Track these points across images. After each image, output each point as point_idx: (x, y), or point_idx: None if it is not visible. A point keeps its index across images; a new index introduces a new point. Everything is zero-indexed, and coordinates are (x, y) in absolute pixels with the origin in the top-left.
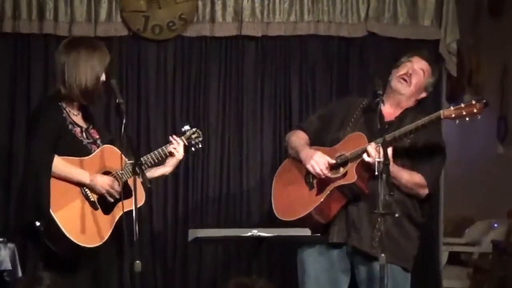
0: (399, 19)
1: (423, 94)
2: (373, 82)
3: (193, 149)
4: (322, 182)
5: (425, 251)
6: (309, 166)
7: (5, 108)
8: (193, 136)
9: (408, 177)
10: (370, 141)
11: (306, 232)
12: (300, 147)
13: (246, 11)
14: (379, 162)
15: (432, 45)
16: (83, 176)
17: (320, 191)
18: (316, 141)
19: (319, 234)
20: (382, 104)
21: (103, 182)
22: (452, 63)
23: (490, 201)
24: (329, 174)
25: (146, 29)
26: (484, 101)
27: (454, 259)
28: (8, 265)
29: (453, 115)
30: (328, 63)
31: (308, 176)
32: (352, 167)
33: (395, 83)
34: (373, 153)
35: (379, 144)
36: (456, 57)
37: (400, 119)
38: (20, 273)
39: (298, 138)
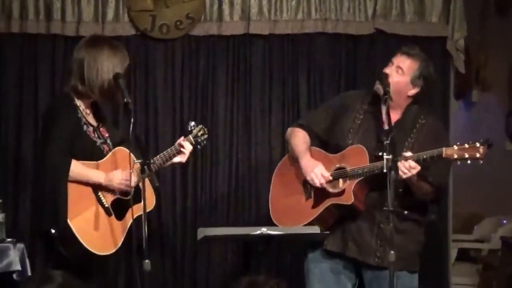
0: (407, 16)
1: (413, 90)
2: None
3: (199, 147)
4: (319, 194)
5: (434, 248)
6: (309, 179)
7: (13, 109)
8: (199, 134)
9: (427, 187)
10: (370, 154)
11: (315, 230)
12: (301, 153)
13: (254, 10)
14: (387, 159)
15: (440, 42)
16: (100, 177)
17: (316, 204)
18: (320, 142)
19: (327, 232)
20: (390, 101)
21: (119, 178)
22: (459, 60)
23: (499, 198)
24: (329, 189)
25: (153, 29)
26: (489, 143)
27: (463, 255)
28: (17, 266)
29: (455, 156)
30: (336, 60)
31: (307, 183)
32: (350, 186)
33: (376, 84)
34: (405, 170)
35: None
36: (464, 54)
37: (400, 124)
38: (29, 274)
39: (299, 141)
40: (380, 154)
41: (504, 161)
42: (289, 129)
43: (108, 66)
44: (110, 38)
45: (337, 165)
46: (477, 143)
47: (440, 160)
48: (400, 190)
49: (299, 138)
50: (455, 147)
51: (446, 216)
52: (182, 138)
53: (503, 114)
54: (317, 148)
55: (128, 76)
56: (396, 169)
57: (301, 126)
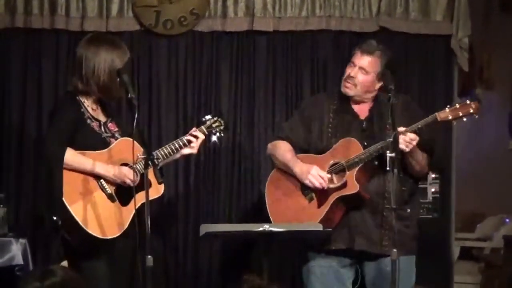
0: (411, 14)
1: (379, 84)
2: (384, 77)
3: (214, 138)
4: (321, 193)
5: (436, 247)
6: (307, 182)
7: (16, 103)
8: (214, 125)
9: (421, 157)
10: (364, 147)
11: (318, 227)
12: (292, 162)
13: (258, 6)
14: (390, 157)
15: (444, 40)
16: (92, 165)
17: (321, 202)
18: (301, 150)
19: (330, 229)
20: (393, 99)
21: (113, 174)
22: (463, 58)
23: (502, 196)
24: (330, 186)
25: (157, 24)
26: (478, 98)
27: (466, 254)
28: (20, 260)
29: (450, 117)
30: (340, 58)
31: (305, 188)
32: (351, 176)
33: (342, 87)
34: (406, 143)
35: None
36: (468, 52)
37: (374, 110)
38: (31, 268)
39: (285, 152)
40: (366, 143)
41: (507, 160)
42: (269, 144)
43: (104, 61)
44: (109, 34)
45: (331, 162)
46: (467, 100)
47: (435, 125)
48: (404, 188)
49: (283, 149)
50: (447, 110)
51: (448, 215)
52: (194, 128)
53: (506, 112)
54: (304, 154)
55: (130, 71)
56: (399, 166)
57: (281, 138)
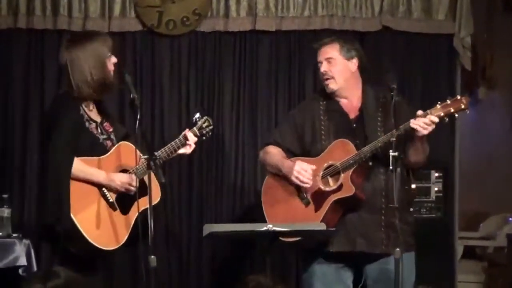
0: (413, 13)
1: (352, 63)
2: (387, 77)
3: (204, 138)
4: (318, 197)
5: (440, 246)
6: (293, 178)
7: (19, 105)
8: (204, 126)
9: (424, 147)
10: (355, 145)
11: (322, 226)
12: (280, 162)
13: (260, 6)
14: (393, 156)
15: (446, 39)
16: (101, 176)
17: (318, 206)
18: (292, 155)
19: (334, 229)
20: (396, 98)
21: (121, 181)
22: (466, 57)
23: (505, 195)
24: (326, 189)
25: (160, 25)
26: (467, 95)
27: (469, 253)
28: (23, 261)
29: (442, 114)
30: None
31: (301, 192)
32: (347, 178)
33: (325, 86)
34: (425, 126)
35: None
36: (470, 51)
37: (364, 109)
38: (35, 269)
39: (273, 155)
40: (358, 142)
41: (510, 159)
42: (260, 152)
43: (86, 60)
44: (84, 31)
45: (325, 165)
46: (457, 96)
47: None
48: (407, 187)
49: (272, 153)
50: (438, 106)
51: (452, 214)
52: (186, 130)
53: (509, 111)
54: (296, 157)
55: (133, 71)
56: (402, 166)
57: (270, 144)
